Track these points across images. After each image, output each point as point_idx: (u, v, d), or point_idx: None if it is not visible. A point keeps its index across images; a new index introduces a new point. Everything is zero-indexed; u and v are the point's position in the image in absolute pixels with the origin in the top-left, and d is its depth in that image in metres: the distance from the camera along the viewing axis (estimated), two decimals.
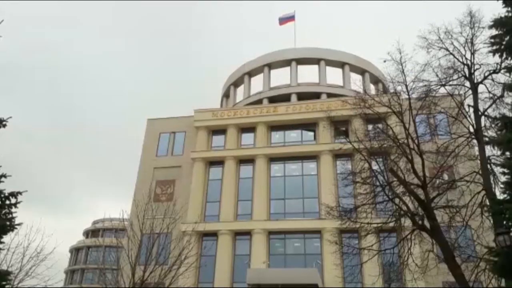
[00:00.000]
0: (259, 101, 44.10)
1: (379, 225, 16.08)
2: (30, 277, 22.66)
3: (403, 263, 15.20)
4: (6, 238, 16.02)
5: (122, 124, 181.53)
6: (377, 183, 15.59)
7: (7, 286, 14.46)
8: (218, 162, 38.69)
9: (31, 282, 22.53)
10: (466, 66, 16.11)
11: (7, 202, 13.69)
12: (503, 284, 12.44)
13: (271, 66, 46.04)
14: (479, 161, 15.28)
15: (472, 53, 16.08)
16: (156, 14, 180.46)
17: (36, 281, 22.67)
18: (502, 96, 15.30)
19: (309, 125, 38.49)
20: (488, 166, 14.53)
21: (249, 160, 38.01)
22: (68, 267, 77.22)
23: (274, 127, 39.33)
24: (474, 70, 16.08)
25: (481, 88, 16.07)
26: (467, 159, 15.75)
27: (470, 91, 16.01)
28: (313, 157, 36.93)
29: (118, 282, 23.12)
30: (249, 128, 39.49)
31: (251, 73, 47.09)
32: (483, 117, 15.62)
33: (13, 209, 13.95)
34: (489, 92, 15.73)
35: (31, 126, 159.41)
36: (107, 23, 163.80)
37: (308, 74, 44.26)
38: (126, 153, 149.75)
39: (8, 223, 13.41)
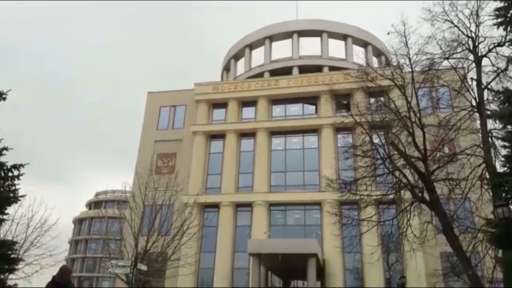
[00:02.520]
0: (260, 74, 43.75)
1: (379, 197, 16.26)
2: (35, 247, 23.17)
3: (402, 234, 15.46)
4: (10, 210, 16.27)
5: (123, 98, 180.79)
6: (378, 156, 15.66)
7: (13, 255, 14.77)
8: (219, 136, 38.77)
9: (36, 252, 23.04)
10: (470, 39, 15.89)
11: (10, 174, 13.81)
12: (499, 255, 12.69)
13: (272, 38, 45.39)
14: (480, 135, 15.30)
15: (477, 26, 15.82)
16: None
17: (41, 250, 23.19)
18: (505, 69, 15.15)
19: (311, 99, 38.33)
20: (489, 139, 14.54)
21: (250, 134, 38.07)
22: (72, 237, 78.63)
23: (275, 100, 39.18)
24: (479, 43, 15.87)
25: (485, 61, 15.90)
26: (468, 132, 15.74)
27: (474, 64, 15.84)
28: (314, 130, 36.97)
29: (121, 252, 23.60)
30: (250, 102, 39.35)
31: (252, 46, 46.48)
32: (486, 90, 15.52)
33: (16, 181, 14.09)
34: (493, 65, 15.56)
35: (30, 99, 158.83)
36: None
37: (310, 47, 43.69)
38: (127, 126, 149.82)
39: (11, 195, 13.57)
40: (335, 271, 31.37)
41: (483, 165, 14.46)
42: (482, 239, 13.09)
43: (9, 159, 14.12)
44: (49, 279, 8.35)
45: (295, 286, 34.76)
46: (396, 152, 14.98)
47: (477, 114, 15.44)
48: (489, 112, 15.12)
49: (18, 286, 17.11)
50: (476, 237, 13.57)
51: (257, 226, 33.91)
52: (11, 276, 17.53)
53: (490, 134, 14.76)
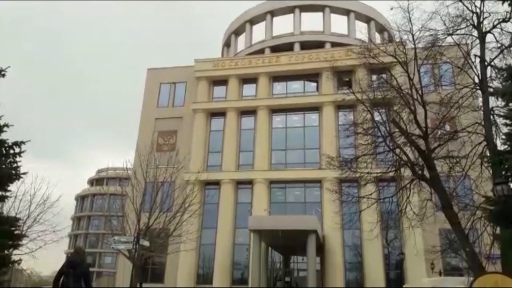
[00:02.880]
0: (261, 51, 43.24)
1: (379, 174, 16.29)
2: (38, 223, 23.46)
3: (401, 211, 15.57)
4: (12, 187, 16.36)
5: (123, 75, 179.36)
6: (379, 134, 15.61)
7: (16, 231, 14.94)
8: (219, 114, 38.66)
9: (39, 228, 23.35)
10: (475, 15, 15.59)
11: (11, 151, 13.83)
12: (498, 232, 12.82)
13: (273, 13, 44.65)
14: (482, 112, 15.22)
15: (482, 1, 15.51)
16: None
17: (44, 227, 23.49)
18: (510, 46, 14.93)
19: (312, 76, 38.00)
20: (491, 117, 14.47)
21: (250, 112, 37.94)
22: (75, 214, 79.50)
23: (276, 77, 38.88)
24: (483, 19, 15.58)
25: (489, 37, 15.65)
26: (470, 110, 15.64)
27: (478, 41, 15.60)
28: (315, 108, 36.82)
29: (123, 228, 23.91)
30: (251, 79, 39.04)
31: (252, 21, 45.78)
32: (489, 67, 15.34)
33: (17, 159, 14.12)
34: (497, 41, 15.32)
35: (31, 76, 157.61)
36: None
37: (312, 23, 43.03)
38: (128, 103, 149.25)
39: (13, 172, 13.62)
40: (335, 247, 31.82)
41: (484, 143, 14.43)
42: (481, 216, 13.19)
43: (10, 137, 14.13)
44: (53, 254, 8.60)
45: (295, 261, 35.30)
46: (397, 130, 14.93)
47: (479, 92, 15.30)
48: (491, 90, 14.99)
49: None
50: (475, 215, 13.67)
51: (258, 203, 34.21)
52: (15, 251, 17.83)
53: (492, 112, 14.67)
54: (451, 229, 13.79)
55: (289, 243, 30.61)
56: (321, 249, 31.39)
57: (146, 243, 20.17)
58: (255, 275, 28.33)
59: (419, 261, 26.69)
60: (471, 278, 7.87)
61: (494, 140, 14.17)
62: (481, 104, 15.43)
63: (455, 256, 24.01)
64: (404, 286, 19.46)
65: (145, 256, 23.13)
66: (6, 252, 13.11)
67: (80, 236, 78.09)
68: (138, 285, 22.87)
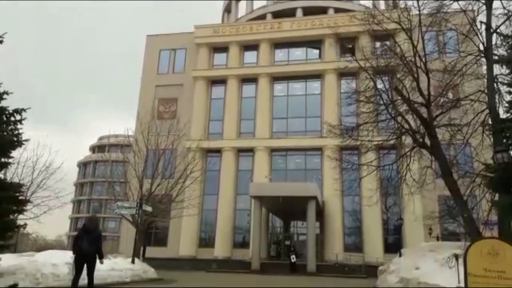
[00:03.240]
0: (263, 16, 42.39)
1: (380, 142, 16.35)
2: (41, 189, 23.71)
3: (401, 178, 15.71)
4: (15, 153, 16.47)
5: (123, 42, 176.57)
6: (381, 102, 15.54)
7: (20, 197, 15.15)
8: (220, 81, 38.36)
9: (43, 194, 23.63)
10: None
11: (12, 119, 13.80)
12: (496, 198, 12.99)
13: None
14: (485, 80, 15.07)
15: None
16: None
17: (48, 193, 23.75)
18: None
19: (315, 43, 37.44)
20: (495, 85, 14.35)
21: (251, 79, 37.63)
22: (77, 180, 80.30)
23: (278, 44, 38.30)
24: None
25: (496, 4, 15.31)
26: (473, 78, 15.46)
27: (484, 7, 15.23)
28: (317, 76, 36.49)
29: (126, 194, 24.23)
30: (252, 46, 38.48)
31: None
32: (494, 34, 15.05)
33: (19, 126, 14.12)
34: (504, 8, 14.95)
35: (30, 43, 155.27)
36: None
37: None
38: (128, 70, 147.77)
39: (15, 139, 13.63)
40: (334, 212, 32.38)
41: (486, 111, 14.37)
42: (480, 183, 13.32)
43: (10, 104, 14.10)
44: (57, 219, 8.94)
45: (295, 226, 36.02)
46: (399, 98, 14.86)
47: (483, 59, 15.08)
48: (496, 57, 14.78)
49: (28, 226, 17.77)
50: (474, 182, 13.79)
51: (259, 170, 34.53)
52: (20, 216, 18.16)
53: (495, 80, 14.52)
54: (450, 195, 13.96)
55: (289, 209, 31.14)
56: (320, 214, 31.95)
57: (148, 209, 20.50)
58: (255, 239, 29.00)
59: (418, 227, 27.22)
60: (468, 243, 8.05)
61: (497, 108, 14.10)
62: (485, 72, 15.25)
63: (453, 222, 24.41)
64: (401, 250, 19.91)
65: (148, 221, 23.57)
66: (11, 217, 13.32)
67: (83, 201, 79.21)
68: (142, 249, 23.45)
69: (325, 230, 32.55)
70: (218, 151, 36.00)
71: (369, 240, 31.45)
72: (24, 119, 14.16)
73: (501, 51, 15.21)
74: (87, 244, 9.21)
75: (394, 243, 30.36)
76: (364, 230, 32.08)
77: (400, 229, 27.80)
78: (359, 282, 21.74)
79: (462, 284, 6.16)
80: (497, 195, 12.55)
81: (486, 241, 6.20)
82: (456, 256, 11.32)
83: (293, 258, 27.60)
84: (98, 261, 9.61)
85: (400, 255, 18.40)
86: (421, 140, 14.53)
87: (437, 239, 26.25)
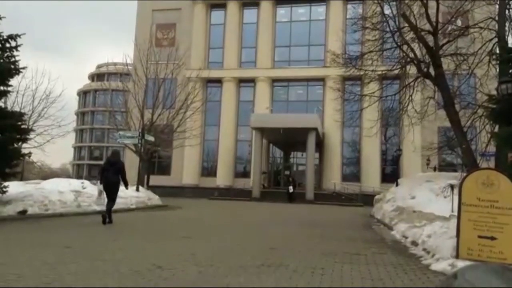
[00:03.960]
0: None
1: (384, 72, 16.03)
2: (43, 118, 23.81)
3: (403, 109, 15.64)
4: (13, 82, 16.25)
5: None
6: (387, 29, 14.97)
7: (23, 126, 15.20)
8: (220, 5, 36.74)
9: (45, 123, 23.76)
10: None
11: (7, 45, 13.39)
12: (496, 130, 12.97)
13: None
14: (497, 6, 14.37)
15: None
16: None
17: (50, 121, 23.86)
18: None
19: None
20: (507, 11, 13.71)
21: (253, 3, 35.99)
22: (78, 109, 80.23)
23: None
24: None
25: None
26: (485, 4, 14.74)
27: None
28: (322, 0, 34.92)
29: (128, 123, 24.35)
30: None
31: None
32: None
33: (15, 53, 13.74)
34: None
35: None
36: None
37: None
38: None
39: (12, 66, 13.33)
40: (334, 143, 32.75)
41: (495, 40, 13.89)
42: (482, 115, 13.23)
43: (4, 29, 13.62)
44: (61, 148, 9.08)
45: (295, 157, 36.64)
46: (406, 25, 14.28)
47: None
48: None
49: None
50: (475, 113, 13.72)
51: (260, 101, 34.33)
52: (24, 145, 18.39)
53: (508, 6, 13.86)
54: (451, 126, 13.94)
55: (290, 140, 31.44)
56: (320, 145, 32.34)
57: (151, 138, 20.68)
58: (256, 169, 29.66)
59: (416, 157, 27.63)
60: (465, 174, 8.17)
61: (506, 37, 13.61)
62: None
63: (451, 153, 24.72)
64: (398, 180, 20.39)
65: (151, 151, 23.93)
66: (15, 145, 13.47)
67: (85, 131, 79.85)
68: (146, 177, 24.06)
69: (324, 160, 33.12)
70: (218, 81, 35.53)
71: (367, 170, 32.12)
72: (20, 45, 13.76)
73: None
74: (112, 174, 10.60)
75: (391, 174, 31.02)
76: (363, 160, 32.64)
77: (398, 160, 28.24)
78: (355, 210, 22.54)
79: (456, 213, 6.33)
80: (497, 126, 12.52)
81: (481, 172, 6.25)
82: (452, 186, 11.56)
83: (290, 189, 28.41)
84: (121, 188, 11.25)
85: (396, 185, 18.88)
86: (425, 70, 14.21)
87: (434, 170, 26.72)
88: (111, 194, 10.62)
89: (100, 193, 10.94)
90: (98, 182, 10.97)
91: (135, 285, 4.07)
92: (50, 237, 7.60)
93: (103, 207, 10.84)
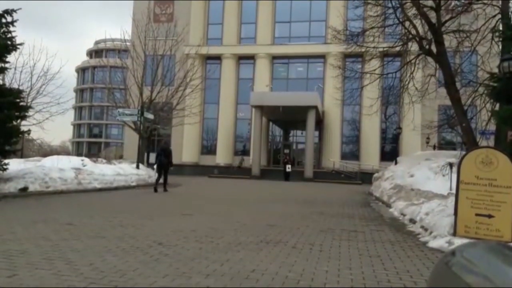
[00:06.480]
0: None
1: (385, 49, 15.85)
2: (42, 95, 23.72)
3: (403, 86, 15.53)
4: (11, 58, 16.07)
5: None
6: (389, 5, 14.72)
7: (21, 103, 15.12)
8: None
9: (43, 100, 23.67)
10: None
11: (3, 20, 13.17)
12: (496, 108, 12.92)
13: None
14: None
15: None
16: None
17: (48, 99, 23.78)
18: None
19: None
20: None
21: None
22: (77, 86, 79.71)
23: None
24: None
25: None
26: None
27: None
28: None
29: (126, 101, 24.22)
30: None
31: None
32: None
33: (11, 28, 13.53)
34: None
35: None
36: None
37: None
38: None
39: (9, 42, 13.15)
40: (334, 122, 32.69)
41: (498, 16, 13.66)
42: (483, 93, 13.14)
43: None
44: (60, 126, 9.01)
45: (294, 135, 36.64)
46: (408, 0, 14.04)
47: None
48: None
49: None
50: (476, 91, 13.63)
51: (260, 79, 34.06)
52: (24, 122, 18.37)
53: None
54: (451, 105, 13.88)
55: (289, 118, 31.38)
56: (320, 123, 32.30)
57: (150, 116, 20.62)
58: (256, 147, 29.70)
59: (415, 136, 27.62)
60: (464, 152, 8.18)
61: (510, 14, 13.40)
62: None
63: (451, 132, 24.73)
64: (397, 158, 20.44)
65: (150, 128, 23.89)
66: (14, 123, 13.44)
67: (84, 108, 79.45)
68: (145, 154, 24.11)
69: (324, 138, 33.14)
70: (218, 57, 35.16)
71: (366, 148, 32.17)
72: (15, 20, 13.55)
73: None
74: (163, 157, 14.64)
75: (390, 152, 31.10)
76: (362, 139, 32.65)
77: (397, 138, 28.24)
78: (354, 188, 22.70)
79: (454, 191, 6.36)
80: (497, 105, 12.46)
81: (481, 150, 6.25)
82: (451, 165, 11.62)
83: (288, 168, 28.52)
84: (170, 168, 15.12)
85: (395, 163, 18.94)
86: (427, 47, 14.03)
87: (434, 148, 26.78)
88: (164, 172, 14.67)
89: (156, 171, 14.91)
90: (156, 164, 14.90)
91: (137, 260, 4.13)
92: (52, 214, 7.67)
93: (153, 181, 15.12)
